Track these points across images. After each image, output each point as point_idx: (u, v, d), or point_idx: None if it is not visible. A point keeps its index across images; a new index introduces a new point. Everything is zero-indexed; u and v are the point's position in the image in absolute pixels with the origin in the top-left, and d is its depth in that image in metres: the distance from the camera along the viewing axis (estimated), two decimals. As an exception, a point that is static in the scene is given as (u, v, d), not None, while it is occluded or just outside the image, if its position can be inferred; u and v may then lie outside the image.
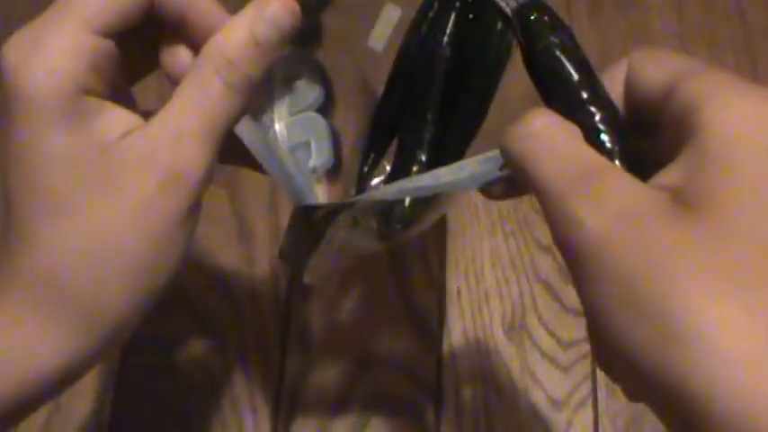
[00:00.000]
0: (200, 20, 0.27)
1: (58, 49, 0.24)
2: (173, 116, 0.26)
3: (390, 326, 0.49)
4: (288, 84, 0.31)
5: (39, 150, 0.24)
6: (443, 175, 0.27)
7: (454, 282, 0.51)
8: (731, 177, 0.20)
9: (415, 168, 0.34)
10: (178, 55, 0.28)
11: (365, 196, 0.35)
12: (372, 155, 0.36)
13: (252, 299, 0.50)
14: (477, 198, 0.52)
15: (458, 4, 0.34)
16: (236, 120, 0.27)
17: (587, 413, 0.47)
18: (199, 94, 0.26)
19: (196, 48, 0.27)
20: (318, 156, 0.31)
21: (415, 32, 0.34)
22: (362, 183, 0.36)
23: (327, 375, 0.48)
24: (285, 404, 0.47)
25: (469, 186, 0.27)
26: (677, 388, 0.18)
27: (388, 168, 0.36)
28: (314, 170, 0.31)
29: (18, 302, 0.25)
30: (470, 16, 0.34)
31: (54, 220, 0.25)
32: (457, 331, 0.49)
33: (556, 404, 0.47)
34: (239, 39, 0.26)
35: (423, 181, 0.28)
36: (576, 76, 0.25)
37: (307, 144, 0.31)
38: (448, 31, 0.34)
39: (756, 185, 0.20)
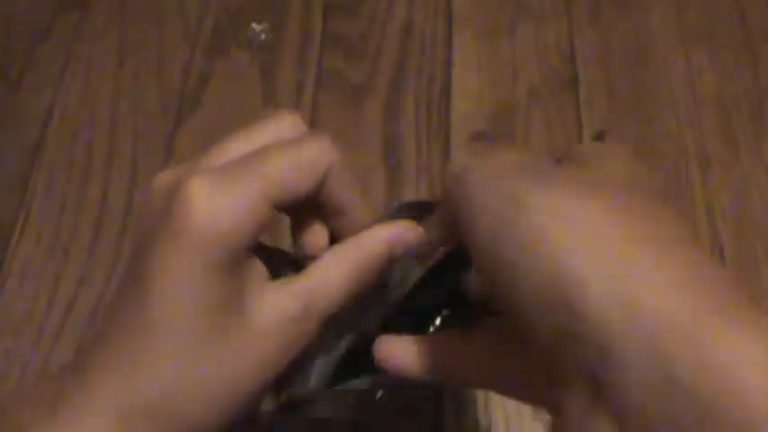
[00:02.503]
0: (346, 216, 0.30)
1: (242, 208, 0.26)
2: (309, 288, 0.29)
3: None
4: None
5: (194, 289, 0.26)
6: None
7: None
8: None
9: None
10: (313, 230, 0.31)
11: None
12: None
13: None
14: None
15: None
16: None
17: (587, 413, 0.47)
18: (332, 278, 0.29)
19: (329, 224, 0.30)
20: None
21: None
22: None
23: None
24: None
25: None
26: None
27: None
28: None
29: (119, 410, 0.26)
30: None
31: (189, 350, 0.27)
32: (457, 331, 0.49)
33: (556, 404, 0.47)
34: (378, 255, 0.30)
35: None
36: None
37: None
38: None
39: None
